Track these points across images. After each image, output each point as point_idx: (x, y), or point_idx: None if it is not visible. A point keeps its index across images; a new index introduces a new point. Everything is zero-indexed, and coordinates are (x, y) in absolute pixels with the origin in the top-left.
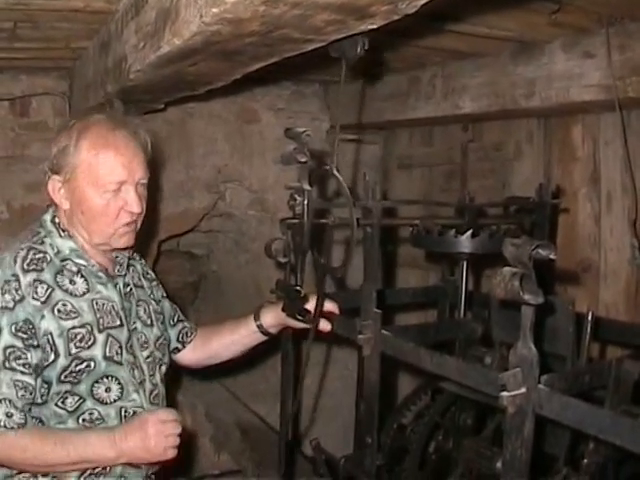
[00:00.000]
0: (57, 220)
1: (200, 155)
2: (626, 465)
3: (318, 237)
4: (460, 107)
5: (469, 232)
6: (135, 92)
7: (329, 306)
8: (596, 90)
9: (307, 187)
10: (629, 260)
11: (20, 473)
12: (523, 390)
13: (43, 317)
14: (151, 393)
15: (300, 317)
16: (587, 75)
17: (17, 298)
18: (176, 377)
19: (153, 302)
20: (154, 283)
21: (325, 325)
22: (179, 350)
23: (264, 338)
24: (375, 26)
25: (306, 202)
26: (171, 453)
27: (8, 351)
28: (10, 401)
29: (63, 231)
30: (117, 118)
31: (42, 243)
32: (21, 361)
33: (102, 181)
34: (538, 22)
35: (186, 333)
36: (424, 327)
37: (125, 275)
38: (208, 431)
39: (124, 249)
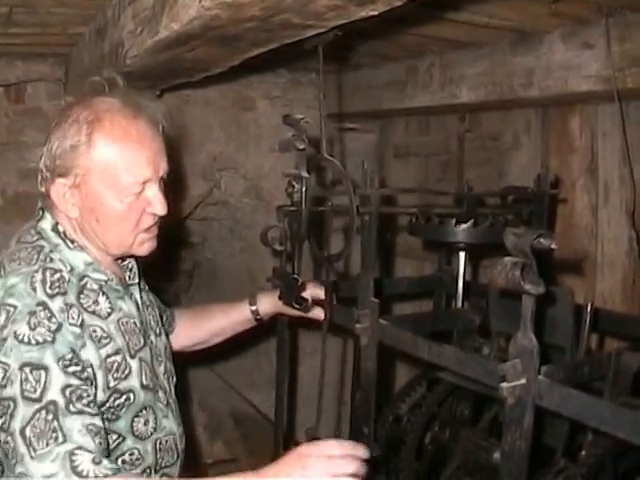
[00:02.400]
0: (61, 229)
1: (196, 142)
2: (625, 458)
3: (315, 225)
4: (457, 96)
5: (471, 221)
6: (131, 78)
7: (323, 294)
8: (595, 81)
9: (305, 174)
10: (626, 252)
11: None
12: (523, 381)
13: (84, 346)
14: (175, 413)
15: (297, 305)
16: (586, 66)
17: (53, 328)
18: None
19: (154, 303)
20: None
21: (319, 313)
22: None
23: (254, 324)
24: (376, 12)
25: (304, 189)
26: None
27: (68, 391)
28: (90, 451)
29: (72, 242)
30: (132, 101)
31: (52, 260)
32: (85, 400)
33: (124, 183)
34: (537, 12)
35: (169, 323)
36: (421, 317)
37: (139, 282)
38: (202, 420)
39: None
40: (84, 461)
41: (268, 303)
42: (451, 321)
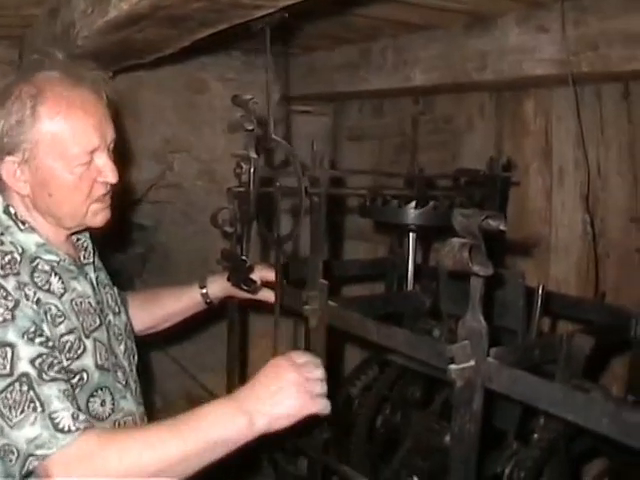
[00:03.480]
0: (12, 211)
1: (148, 125)
2: (577, 441)
3: (265, 206)
4: (411, 79)
5: (413, 202)
6: (83, 59)
7: (272, 275)
8: (549, 64)
9: (254, 155)
10: (580, 235)
11: None
12: (472, 363)
13: (42, 321)
14: (135, 392)
15: (246, 287)
16: (541, 49)
17: (11, 306)
18: None
19: (110, 282)
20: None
21: (269, 295)
22: None
23: (204, 307)
24: None
25: (252, 170)
26: (322, 403)
27: (38, 362)
28: (68, 411)
29: (23, 223)
30: (72, 72)
31: (2, 243)
32: (56, 368)
33: (73, 153)
34: None
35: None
36: (372, 299)
37: (93, 261)
38: (156, 404)
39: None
40: (64, 418)
41: (218, 286)
42: (402, 303)
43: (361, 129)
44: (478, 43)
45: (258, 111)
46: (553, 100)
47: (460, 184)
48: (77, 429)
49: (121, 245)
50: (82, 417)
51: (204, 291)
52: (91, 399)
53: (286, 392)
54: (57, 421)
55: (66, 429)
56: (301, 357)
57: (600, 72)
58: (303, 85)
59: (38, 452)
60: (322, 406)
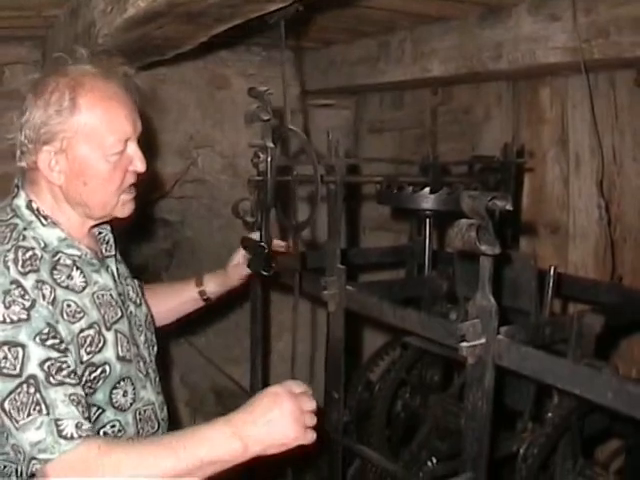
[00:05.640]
0: (35, 206)
1: (172, 121)
2: (590, 420)
3: (283, 194)
4: (429, 70)
5: (427, 188)
6: (104, 57)
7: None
8: (562, 52)
9: (270, 145)
10: (597, 221)
11: None
12: (483, 340)
13: (57, 322)
14: (154, 382)
15: (265, 272)
16: (553, 37)
17: (27, 305)
18: None
19: (130, 274)
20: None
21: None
22: None
23: (202, 304)
24: None
25: (269, 159)
26: (312, 436)
27: (46, 365)
28: (74, 418)
29: (45, 218)
30: (101, 64)
31: (24, 238)
32: (65, 372)
33: (108, 141)
34: None
35: None
36: (389, 284)
37: (115, 254)
38: (183, 396)
39: (122, 220)
40: (69, 425)
41: (215, 284)
42: (419, 288)
43: (381, 122)
44: (493, 33)
45: (274, 102)
46: (568, 88)
47: (474, 171)
48: (79, 437)
49: (147, 241)
50: (86, 426)
51: (201, 288)
52: (114, 391)
53: (282, 422)
54: (61, 427)
55: (69, 436)
56: (298, 387)
57: (612, 58)
58: (323, 79)
59: (40, 456)
60: (311, 438)
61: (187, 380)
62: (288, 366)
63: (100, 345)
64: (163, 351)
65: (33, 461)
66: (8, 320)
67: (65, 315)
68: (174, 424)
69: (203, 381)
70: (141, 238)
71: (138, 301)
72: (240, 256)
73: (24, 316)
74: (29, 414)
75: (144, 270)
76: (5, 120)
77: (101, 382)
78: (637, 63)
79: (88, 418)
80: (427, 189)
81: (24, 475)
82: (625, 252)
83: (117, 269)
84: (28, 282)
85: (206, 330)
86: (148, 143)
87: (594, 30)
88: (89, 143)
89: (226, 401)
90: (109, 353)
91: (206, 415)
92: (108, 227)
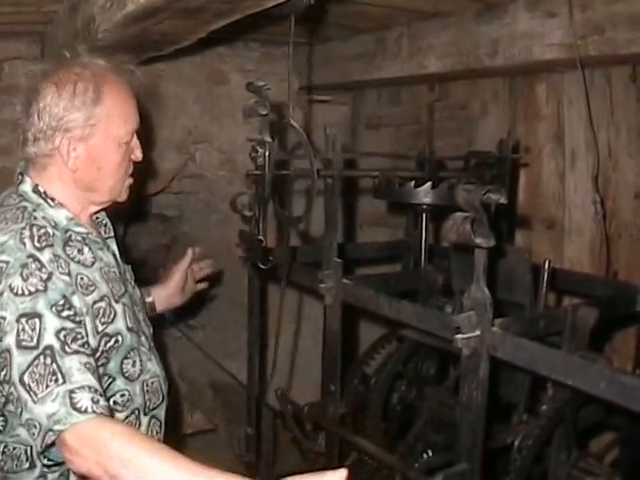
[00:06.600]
0: (41, 189)
1: (170, 116)
2: (585, 413)
3: (280, 188)
4: (426, 66)
5: (428, 183)
6: (104, 53)
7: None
8: (558, 49)
9: (268, 139)
10: (593, 217)
11: None
12: (477, 332)
13: (73, 293)
14: (157, 357)
15: (263, 265)
16: (549, 34)
17: (44, 277)
18: None
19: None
20: None
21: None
22: None
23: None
24: None
25: (267, 154)
26: None
27: (62, 334)
28: (90, 387)
29: (52, 200)
30: (111, 61)
31: (36, 218)
32: (80, 342)
33: (123, 131)
34: None
35: None
36: (385, 277)
37: (115, 236)
38: (181, 391)
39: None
40: (83, 398)
41: (160, 299)
42: (414, 281)
43: (379, 117)
44: (489, 29)
45: (271, 97)
46: (564, 84)
47: (470, 166)
48: (93, 412)
49: (145, 236)
50: (102, 403)
51: (150, 299)
52: (125, 360)
53: None
54: (75, 400)
55: (83, 409)
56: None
57: (608, 55)
58: (321, 75)
59: (55, 427)
60: None
61: (185, 374)
62: (283, 360)
63: (112, 316)
64: (160, 345)
65: (49, 433)
66: (27, 292)
67: (79, 287)
68: (173, 416)
69: (201, 376)
70: (139, 233)
71: (133, 284)
72: (178, 274)
73: (41, 287)
74: (47, 386)
75: (142, 266)
76: (4, 115)
77: (114, 352)
78: (633, 59)
79: (103, 393)
80: (428, 184)
81: (37, 448)
82: (620, 247)
83: (118, 249)
84: (44, 256)
85: (204, 325)
86: (147, 138)
87: (590, 27)
88: (107, 132)
89: (224, 395)
90: (120, 324)
91: (204, 410)
92: (104, 213)
